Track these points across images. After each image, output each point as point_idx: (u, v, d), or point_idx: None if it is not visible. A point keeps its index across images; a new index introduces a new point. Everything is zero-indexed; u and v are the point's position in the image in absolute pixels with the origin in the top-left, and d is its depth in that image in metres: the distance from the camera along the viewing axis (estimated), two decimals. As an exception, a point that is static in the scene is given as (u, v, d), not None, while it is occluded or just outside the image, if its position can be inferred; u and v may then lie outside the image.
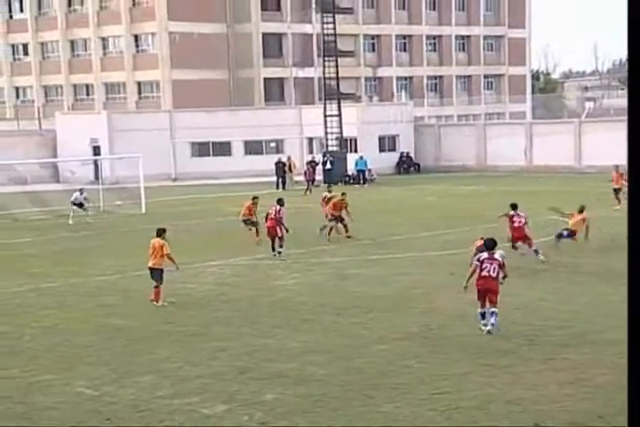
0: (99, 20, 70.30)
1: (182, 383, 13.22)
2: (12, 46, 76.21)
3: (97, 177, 49.50)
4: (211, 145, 58.41)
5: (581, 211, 24.85)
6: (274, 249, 24.82)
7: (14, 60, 76.49)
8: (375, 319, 17.07)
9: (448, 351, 14.57)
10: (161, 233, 19.18)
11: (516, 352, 14.40)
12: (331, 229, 27.44)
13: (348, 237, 27.43)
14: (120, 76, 69.98)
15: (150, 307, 18.72)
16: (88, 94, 73.03)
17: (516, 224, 22.91)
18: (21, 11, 75.07)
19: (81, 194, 35.44)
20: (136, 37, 69.49)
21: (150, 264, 19.05)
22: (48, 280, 22.25)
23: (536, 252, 22.67)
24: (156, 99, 69.03)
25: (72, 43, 72.93)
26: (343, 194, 28.27)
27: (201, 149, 58.53)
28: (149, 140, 54.59)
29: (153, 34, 68.09)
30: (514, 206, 23.43)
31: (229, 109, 61.64)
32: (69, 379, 13.59)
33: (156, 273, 18.91)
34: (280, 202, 25.39)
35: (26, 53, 75.60)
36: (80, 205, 35.19)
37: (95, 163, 52.67)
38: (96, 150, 56.14)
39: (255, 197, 28.81)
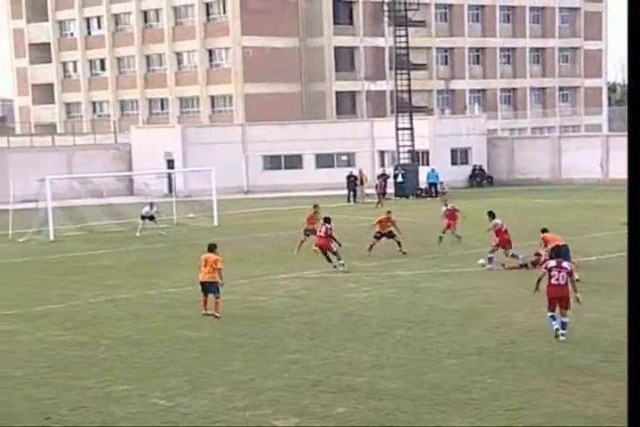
0: (174, 35, 71.45)
1: (255, 395, 13.28)
2: (90, 62, 77.86)
3: (170, 190, 50.17)
4: (282, 158, 58.73)
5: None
6: (330, 261, 24.75)
7: (92, 75, 78.10)
8: (447, 334, 16.93)
9: (522, 367, 14.37)
10: (213, 248, 19.36)
11: (593, 369, 14.13)
12: (372, 245, 26.96)
13: (404, 253, 26.91)
14: (194, 91, 70.92)
15: (223, 319, 18.85)
16: (162, 108, 74.17)
17: (502, 229, 24.52)
18: (99, 27, 76.71)
19: (151, 208, 35.72)
20: (210, 52, 70.42)
21: (206, 278, 19.04)
22: (123, 292, 22.58)
23: (514, 256, 24.25)
24: (228, 112, 69.78)
25: (147, 58, 74.21)
26: (389, 212, 27.70)
27: (273, 162, 58.91)
28: (222, 153, 55.14)
29: (227, 48, 68.91)
30: (493, 215, 24.99)
31: (301, 123, 61.95)
32: (144, 390, 13.76)
33: (213, 286, 18.96)
34: (327, 220, 25.20)
35: (103, 69, 77.14)
36: (151, 218, 35.57)
37: (169, 176, 53.37)
38: (170, 164, 56.90)
39: (316, 206, 29.29)
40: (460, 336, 16.64)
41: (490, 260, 24.43)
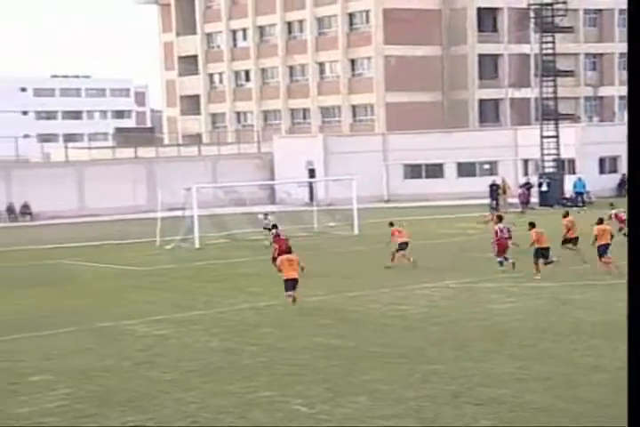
0: (317, 45, 72.26)
1: (396, 405, 13.19)
2: (235, 73, 79.63)
3: (312, 199, 50.65)
4: (423, 167, 58.45)
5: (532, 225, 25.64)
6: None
7: (237, 86, 79.85)
8: (596, 347, 16.40)
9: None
10: (289, 250, 22.78)
11: None
12: (394, 255, 27.79)
13: (412, 261, 27.38)
14: (336, 100, 71.48)
15: (364, 327, 18.86)
16: (305, 118, 75.06)
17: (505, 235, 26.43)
18: (244, 39, 78.39)
19: (266, 219, 35.45)
20: (352, 62, 70.85)
21: (296, 276, 21.30)
22: (266, 299, 22.88)
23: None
24: (369, 121, 69.98)
25: (290, 68, 75.30)
26: (391, 224, 29.05)
27: (413, 171, 58.70)
28: (363, 162, 55.29)
29: (369, 58, 69.18)
30: (500, 218, 27.44)
31: (442, 131, 61.52)
32: (287, 396, 13.88)
33: (296, 282, 21.31)
34: (274, 226, 29.04)
35: (247, 80, 78.74)
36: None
37: (310, 185, 53.91)
38: (311, 173, 57.48)
39: (567, 213, 29.57)
40: (610, 350, 16.08)
41: (501, 263, 25.90)
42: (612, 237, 25.42)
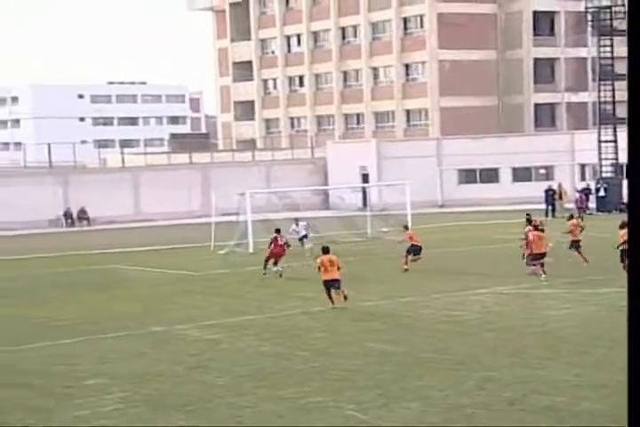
0: (371, 50, 72.21)
1: (450, 412, 13.04)
2: (289, 78, 79.91)
3: (365, 204, 50.55)
4: (478, 172, 58.03)
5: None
6: (266, 267, 28.11)
7: (290, 91, 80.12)
8: (654, 355, 16.04)
9: None
10: (328, 251, 22.09)
11: None
12: (408, 258, 28.22)
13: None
14: (390, 105, 71.34)
15: (417, 333, 18.72)
16: (358, 123, 75.02)
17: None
18: (299, 44, 78.64)
19: (297, 226, 34.65)
20: (406, 66, 70.66)
21: (336, 276, 21.59)
22: (317, 304, 22.76)
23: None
24: (423, 126, 69.71)
25: (344, 73, 75.35)
26: (406, 227, 30.16)
27: (468, 176, 58.30)
28: (416, 167, 55.08)
29: (423, 62, 68.95)
30: (529, 221, 27.94)
31: (497, 136, 61.02)
32: (339, 402, 13.80)
33: (339, 282, 21.65)
34: (278, 231, 28.91)
35: (301, 85, 78.95)
36: (305, 237, 34.33)
37: (363, 190, 53.82)
38: (365, 178, 57.41)
39: (572, 216, 29.84)
40: (668, 359, 15.73)
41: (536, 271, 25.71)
42: None
